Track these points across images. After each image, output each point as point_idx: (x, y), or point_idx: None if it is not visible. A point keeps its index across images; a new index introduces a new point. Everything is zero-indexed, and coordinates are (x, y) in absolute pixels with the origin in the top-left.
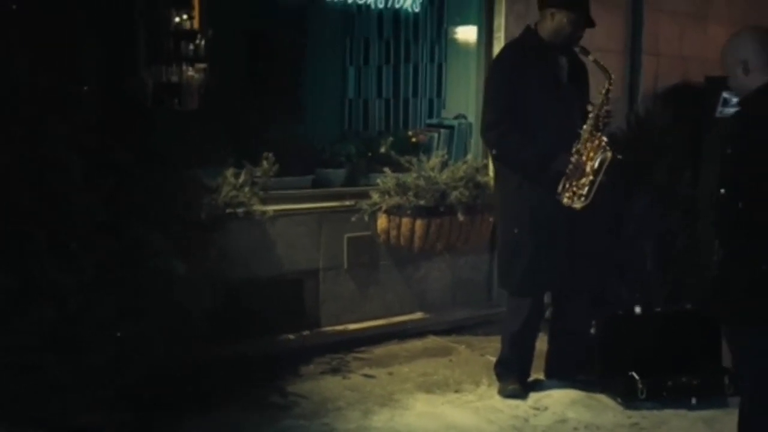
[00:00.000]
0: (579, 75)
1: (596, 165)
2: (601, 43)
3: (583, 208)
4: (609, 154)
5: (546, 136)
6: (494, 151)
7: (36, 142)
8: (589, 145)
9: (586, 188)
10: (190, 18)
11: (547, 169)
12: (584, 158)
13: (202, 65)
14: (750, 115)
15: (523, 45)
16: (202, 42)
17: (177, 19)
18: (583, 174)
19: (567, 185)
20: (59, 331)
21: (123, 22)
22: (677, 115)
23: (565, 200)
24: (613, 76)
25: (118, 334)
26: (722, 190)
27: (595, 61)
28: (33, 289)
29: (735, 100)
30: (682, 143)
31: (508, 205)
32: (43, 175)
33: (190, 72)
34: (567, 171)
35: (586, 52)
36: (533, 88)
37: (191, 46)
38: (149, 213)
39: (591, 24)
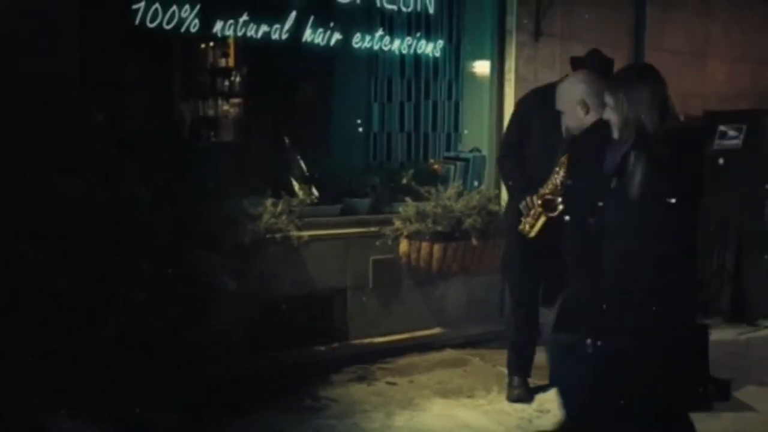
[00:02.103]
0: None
1: (540, 210)
2: None
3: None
4: (544, 215)
5: (535, 171)
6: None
7: (112, 179)
8: (544, 190)
9: (527, 226)
10: (226, 56)
11: (519, 195)
12: (534, 201)
13: (236, 100)
14: (584, 145)
15: (541, 95)
16: (237, 79)
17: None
18: (531, 210)
19: (523, 218)
20: (130, 339)
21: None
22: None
23: (519, 228)
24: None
25: (179, 341)
26: (566, 218)
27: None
28: (110, 302)
29: (732, 133)
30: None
31: (506, 225)
32: (118, 207)
33: (226, 106)
34: (521, 208)
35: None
36: (534, 129)
37: (226, 83)
38: (204, 237)
39: None
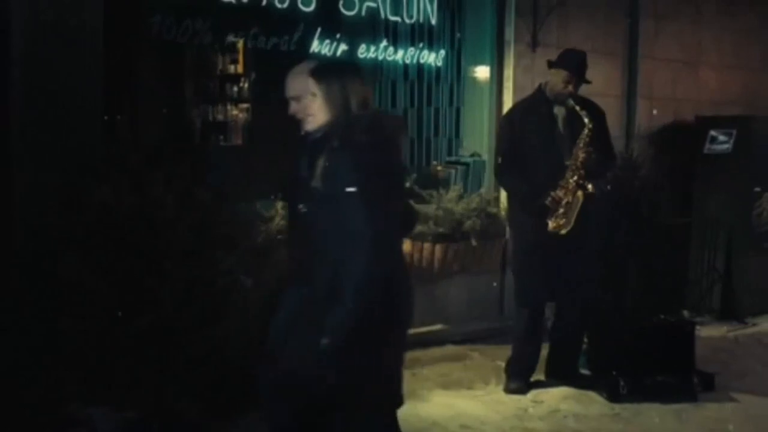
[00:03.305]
0: (574, 122)
1: (571, 199)
2: (601, 89)
3: (569, 234)
4: (580, 195)
5: (542, 174)
6: (501, 187)
7: (140, 186)
8: (571, 181)
9: (563, 219)
10: (236, 65)
11: (534, 203)
12: (562, 193)
13: (246, 106)
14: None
15: (526, 101)
16: (246, 84)
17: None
18: (559, 207)
19: (551, 215)
20: (158, 334)
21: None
22: (670, 152)
23: (550, 226)
24: (589, 123)
25: (200, 336)
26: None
27: (574, 108)
28: (139, 299)
29: (723, 137)
30: (664, 180)
31: (513, 231)
32: (145, 212)
33: (234, 111)
34: (548, 203)
35: (572, 100)
36: (531, 136)
37: (235, 88)
38: (222, 239)
39: (586, 81)
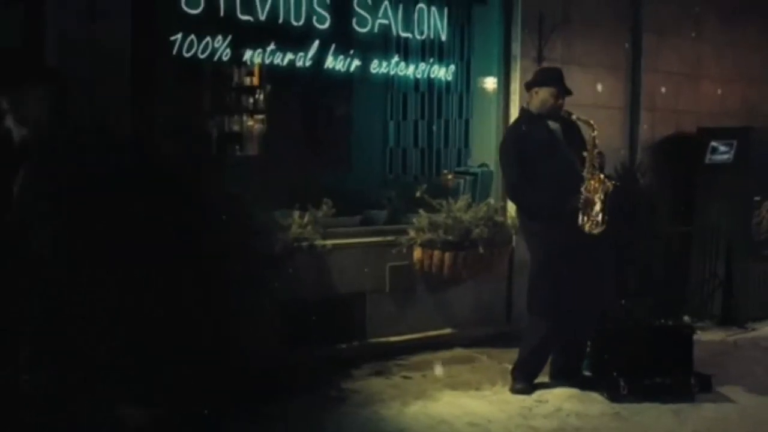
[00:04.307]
0: (570, 132)
1: (602, 196)
2: (605, 101)
3: (600, 234)
4: (609, 185)
5: (556, 184)
6: (521, 207)
7: (166, 196)
8: (592, 182)
9: (600, 215)
10: (254, 79)
11: (564, 208)
12: (591, 193)
13: (264, 119)
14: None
15: (521, 123)
16: (265, 99)
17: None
18: (594, 205)
19: (585, 217)
20: (185, 336)
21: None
22: (672, 162)
23: (587, 228)
24: (595, 126)
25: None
26: None
27: (578, 119)
28: (163, 303)
29: (723, 148)
30: (666, 189)
31: (533, 247)
32: (178, 222)
33: (255, 125)
34: (580, 205)
35: (569, 114)
36: (535, 152)
37: (255, 103)
38: (246, 246)
39: (569, 93)
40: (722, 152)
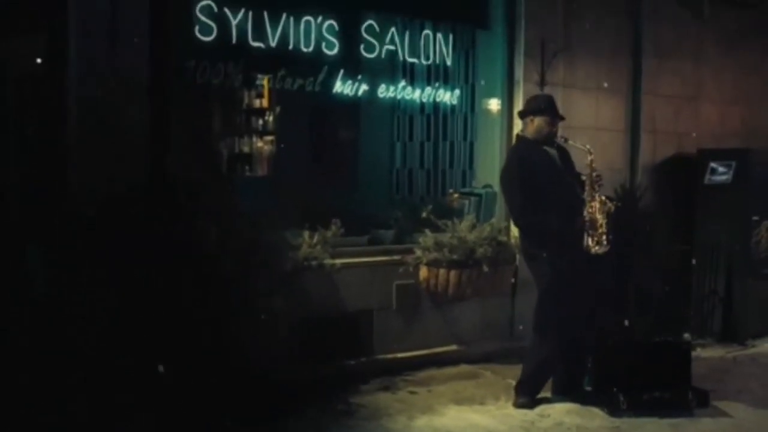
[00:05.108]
0: (565, 157)
1: (605, 217)
2: (606, 124)
3: (604, 254)
4: (611, 206)
5: (559, 208)
6: (527, 232)
7: (186, 217)
8: (594, 204)
9: (604, 236)
10: (264, 102)
11: (569, 230)
12: (594, 214)
13: (270, 137)
14: None
15: (520, 150)
16: (275, 122)
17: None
18: (598, 226)
19: (590, 239)
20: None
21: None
22: (673, 183)
23: (593, 250)
24: (591, 150)
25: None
26: None
27: (574, 144)
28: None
29: (723, 169)
30: (666, 209)
31: (537, 270)
32: (192, 239)
33: (259, 142)
34: (586, 227)
35: (566, 140)
36: (538, 178)
37: (260, 121)
38: (259, 266)
39: (562, 119)
40: (721, 173)
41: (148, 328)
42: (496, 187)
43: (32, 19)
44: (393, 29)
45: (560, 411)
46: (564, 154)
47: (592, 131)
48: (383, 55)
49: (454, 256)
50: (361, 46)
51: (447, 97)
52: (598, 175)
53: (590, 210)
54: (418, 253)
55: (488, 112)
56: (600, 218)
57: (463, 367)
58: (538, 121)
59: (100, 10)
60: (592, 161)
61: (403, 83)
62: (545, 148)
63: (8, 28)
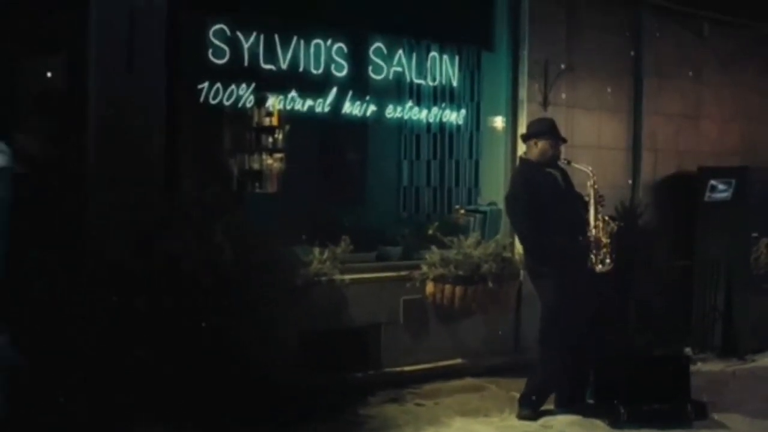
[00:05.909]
0: (565, 177)
1: (608, 236)
2: (608, 142)
3: (607, 273)
4: (614, 225)
5: (564, 227)
6: (534, 252)
7: (201, 233)
8: (598, 224)
9: (608, 256)
10: (274, 123)
11: (575, 249)
12: (599, 234)
13: (279, 155)
14: None
15: (524, 173)
16: (285, 141)
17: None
18: (602, 245)
19: (594, 258)
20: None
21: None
22: (674, 200)
23: (598, 269)
24: (593, 173)
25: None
26: None
27: (577, 166)
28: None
29: (723, 186)
30: (667, 226)
31: (542, 288)
32: (208, 255)
33: (270, 160)
34: (590, 246)
35: (568, 162)
36: (543, 199)
37: (271, 140)
38: (272, 282)
39: (564, 141)
40: (721, 190)
41: (173, 339)
42: (501, 205)
43: (52, 42)
44: (400, 51)
45: (563, 423)
46: (565, 174)
47: (595, 150)
48: (391, 77)
49: (460, 272)
50: (369, 68)
51: (453, 116)
52: (600, 196)
53: (594, 230)
54: (425, 268)
55: (493, 131)
56: (604, 238)
57: (469, 380)
58: (542, 144)
59: (120, 39)
60: (595, 182)
61: (410, 103)
62: (548, 169)
63: (30, 50)
